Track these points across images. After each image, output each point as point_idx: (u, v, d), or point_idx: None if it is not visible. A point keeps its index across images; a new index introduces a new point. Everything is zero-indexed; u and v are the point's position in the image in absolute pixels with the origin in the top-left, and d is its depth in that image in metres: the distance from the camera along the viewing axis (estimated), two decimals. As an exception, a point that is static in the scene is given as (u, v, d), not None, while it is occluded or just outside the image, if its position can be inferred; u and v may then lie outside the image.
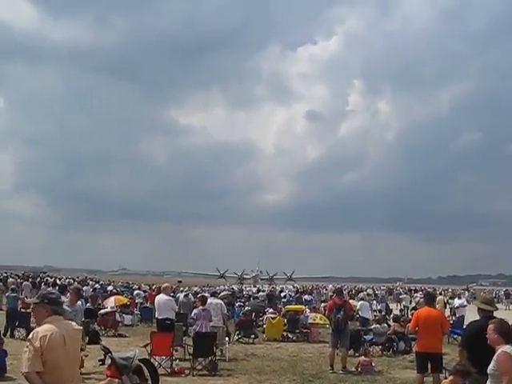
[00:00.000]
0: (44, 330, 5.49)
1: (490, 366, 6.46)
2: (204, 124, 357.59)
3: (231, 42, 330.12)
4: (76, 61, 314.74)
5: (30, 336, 5.50)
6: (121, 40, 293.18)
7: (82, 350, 5.78)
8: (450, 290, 61.65)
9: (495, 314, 8.41)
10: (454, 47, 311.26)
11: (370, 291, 52.49)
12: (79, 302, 12.87)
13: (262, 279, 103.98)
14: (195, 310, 16.06)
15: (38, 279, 49.48)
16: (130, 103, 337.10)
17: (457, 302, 27.13)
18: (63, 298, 11.97)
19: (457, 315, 24.16)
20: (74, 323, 5.93)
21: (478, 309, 8.38)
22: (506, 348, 6.44)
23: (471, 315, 9.68)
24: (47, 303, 5.65)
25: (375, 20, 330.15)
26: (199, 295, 20.39)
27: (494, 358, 6.44)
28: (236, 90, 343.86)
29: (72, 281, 52.05)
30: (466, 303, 26.39)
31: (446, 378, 11.21)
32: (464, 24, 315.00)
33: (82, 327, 5.99)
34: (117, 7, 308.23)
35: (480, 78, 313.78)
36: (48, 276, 60.43)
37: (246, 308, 25.24)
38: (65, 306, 11.14)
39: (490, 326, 6.78)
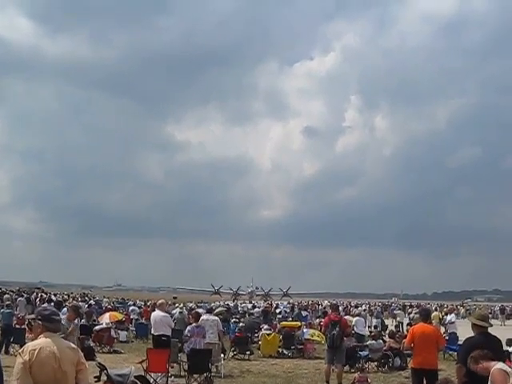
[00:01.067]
0: (34, 344, 5.60)
1: None
2: (201, 140, 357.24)
3: (229, 58, 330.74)
4: (73, 76, 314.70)
5: (21, 350, 5.62)
6: (118, 56, 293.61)
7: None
8: (445, 306, 61.65)
9: (489, 330, 8.46)
10: (451, 63, 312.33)
11: (364, 307, 52.56)
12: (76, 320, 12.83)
13: (257, 295, 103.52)
14: (189, 327, 16.06)
15: (34, 295, 49.29)
16: (127, 119, 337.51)
17: (447, 318, 27.13)
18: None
19: (448, 331, 24.06)
20: (70, 343, 5.97)
21: (473, 325, 8.41)
22: (498, 365, 6.45)
23: (467, 331, 9.70)
24: (40, 319, 5.73)
25: (372, 36, 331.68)
26: (193, 312, 20.39)
27: (490, 378, 6.45)
28: (233, 106, 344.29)
29: (67, 297, 51.80)
30: (453, 320, 26.25)
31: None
32: (461, 40, 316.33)
33: (77, 347, 5.99)
34: (114, 23, 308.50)
35: (477, 93, 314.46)
36: (43, 292, 60.13)
37: (241, 324, 25.20)
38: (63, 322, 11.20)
39: (473, 366, 6.81)
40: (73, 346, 5.85)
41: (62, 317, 11.69)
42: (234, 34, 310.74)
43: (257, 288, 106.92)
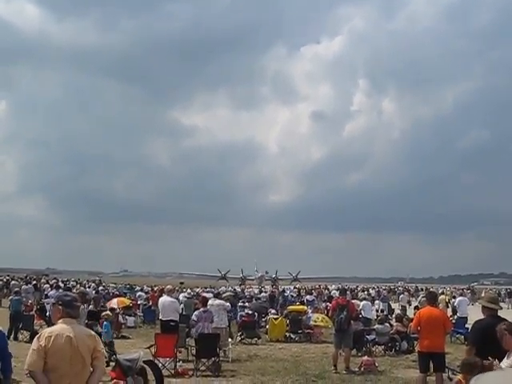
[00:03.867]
0: (51, 330, 5.70)
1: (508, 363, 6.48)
2: (208, 125, 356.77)
3: (238, 43, 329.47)
4: (80, 62, 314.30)
5: (38, 334, 5.70)
6: (126, 41, 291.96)
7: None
8: (448, 289, 61.66)
9: (499, 312, 8.47)
10: (458, 45, 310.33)
11: (372, 291, 52.59)
12: (82, 306, 12.88)
13: (267, 280, 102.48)
14: (196, 312, 16.12)
15: (43, 281, 49.62)
16: (135, 105, 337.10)
17: (456, 301, 27.05)
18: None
19: (458, 316, 23.92)
20: (88, 329, 6.02)
21: (483, 307, 8.42)
22: None
23: (474, 314, 9.68)
24: (60, 305, 5.80)
25: (379, 19, 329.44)
26: (200, 296, 20.46)
27: None
28: (241, 91, 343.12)
29: (75, 283, 52.04)
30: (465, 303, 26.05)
31: (448, 377, 11.28)
32: (469, 22, 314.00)
33: (95, 334, 6.03)
34: (122, 8, 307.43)
35: (485, 76, 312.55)
36: (55, 278, 60.41)
37: (247, 310, 25.21)
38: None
39: (504, 330, 6.81)
40: (91, 333, 5.89)
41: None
42: (243, 19, 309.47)
43: (267, 273, 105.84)
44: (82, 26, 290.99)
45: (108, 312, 19.23)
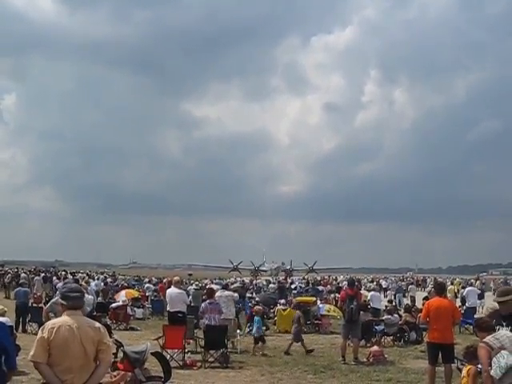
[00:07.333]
0: (54, 321, 5.69)
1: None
2: (220, 116, 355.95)
3: (251, 34, 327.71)
4: (93, 54, 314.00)
5: (42, 327, 5.69)
6: (139, 33, 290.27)
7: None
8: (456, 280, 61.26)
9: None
10: (471, 35, 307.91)
11: (383, 282, 52.57)
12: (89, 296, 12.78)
13: (282, 271, 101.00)
14: (202, 304, 16.09)
15: (53, 273, 49.82)
16: (147, 96, 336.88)
17: (465, 291, 26.95)
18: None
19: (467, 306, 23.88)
20: (93, 321, 5.94)
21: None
22: (486, 338, 6.25)
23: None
24: (61, 298, 5.79)
25: (391, 9, 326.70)
26: (207, 287, 20.46)
27: None
28: (253, 82, 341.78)
29: (86, 276, 52.16)
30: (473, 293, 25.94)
31: (457, 367, 11.22)
32: (482, 11, 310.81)
33: (101, 326, 5.95)
34: (135, 0, 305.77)
35: (498, 66, 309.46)
36: (64, 270, 60.61)
37: (255, 301, 25.18)
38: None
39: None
40: (96, 324, 5.81)
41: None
42: (256, 10, 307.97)
43: (283, 264, 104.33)
44: (94, 17, 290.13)
45: (259, 307, 19.80)
